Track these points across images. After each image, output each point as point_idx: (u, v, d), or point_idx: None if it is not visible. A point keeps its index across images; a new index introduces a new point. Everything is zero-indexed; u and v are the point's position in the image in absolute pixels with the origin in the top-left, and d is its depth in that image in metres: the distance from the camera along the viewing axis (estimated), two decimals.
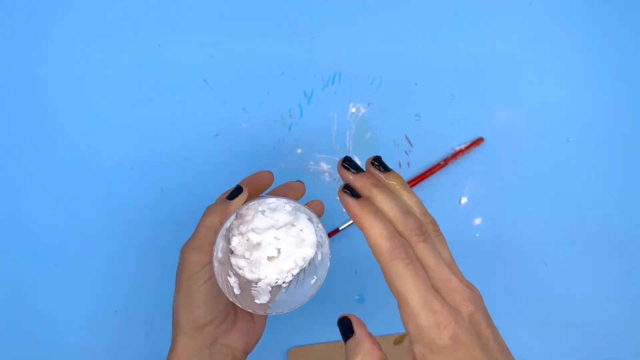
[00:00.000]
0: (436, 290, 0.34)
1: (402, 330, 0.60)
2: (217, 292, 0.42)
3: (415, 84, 0.61)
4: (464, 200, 0.61)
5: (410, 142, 0.61)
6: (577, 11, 0.61)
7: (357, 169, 0.38)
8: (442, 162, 0.60)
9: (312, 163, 0.60)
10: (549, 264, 0.61)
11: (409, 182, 0.60)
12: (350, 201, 0.37)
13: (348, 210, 0.37)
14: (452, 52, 0.61)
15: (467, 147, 0.60)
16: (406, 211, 0.36)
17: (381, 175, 0.38)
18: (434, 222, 0.39)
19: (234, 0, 0.60)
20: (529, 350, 0.61)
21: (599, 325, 0.62)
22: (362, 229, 0.36)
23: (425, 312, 0.33)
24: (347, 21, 0.60)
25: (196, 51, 0.59)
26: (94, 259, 0.59)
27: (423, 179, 0.60)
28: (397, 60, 0.61)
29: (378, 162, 0.38)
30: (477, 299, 0.35)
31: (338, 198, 0.38)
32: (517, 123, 0.61)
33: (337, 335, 0.60)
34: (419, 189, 0.60)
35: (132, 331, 0.60)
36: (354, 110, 0.61)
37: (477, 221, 0.61)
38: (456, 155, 0.60)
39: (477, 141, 0.60)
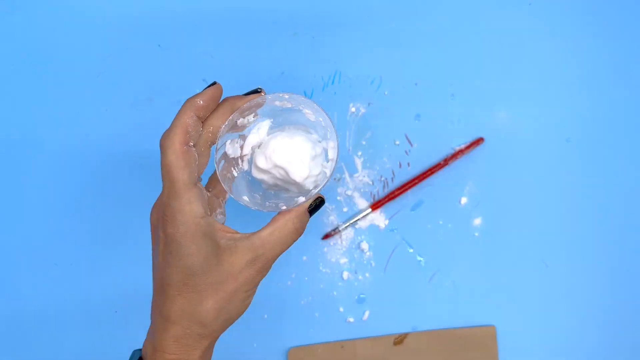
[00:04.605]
0: None
1: (402, 331, 0.60)
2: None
3: (416, 84, 0.61)
4: (464, 200, 0.61)
5: (410, 142, 0.61)
6: (577, 11, 0.61)
7: None
8: (442, 162, 0.60)
9: None
10: (549, 264, 0.61)
11: (409, 182, 0.60)
12: None
13: None
14: (452, 52, 0.61)
15: (467, 147, 0.60)
16: None
17: None
18: None
19: (234, 0, 0.60)
20: (529, 350, 0.61)
21: (599, 326, 0.62)
22: None
23: None
24: (347, 21, 0.60)
25: (196, 51, 0.59)
26: (94, 258, 0.59)
27: (423, 178, 0.60)
28: (397, 60, 0.61)
29: None
30: None
31: None
32: (517, 123, 0.61)
33: (337, 335, 0.61)
34: (419, 188, 0.60)
35: (132, 331, 0.60)
36: (353, 110, 0.61)
37: (477, 221, 0.61)
38: (456, 155, 0.60)
39: (477, 141, 0.60)
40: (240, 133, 0.44)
